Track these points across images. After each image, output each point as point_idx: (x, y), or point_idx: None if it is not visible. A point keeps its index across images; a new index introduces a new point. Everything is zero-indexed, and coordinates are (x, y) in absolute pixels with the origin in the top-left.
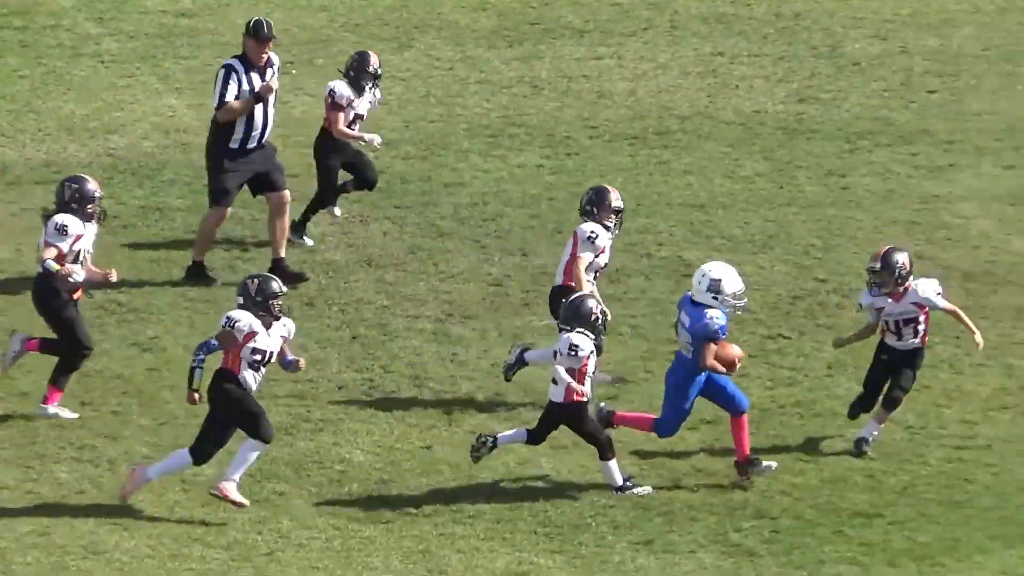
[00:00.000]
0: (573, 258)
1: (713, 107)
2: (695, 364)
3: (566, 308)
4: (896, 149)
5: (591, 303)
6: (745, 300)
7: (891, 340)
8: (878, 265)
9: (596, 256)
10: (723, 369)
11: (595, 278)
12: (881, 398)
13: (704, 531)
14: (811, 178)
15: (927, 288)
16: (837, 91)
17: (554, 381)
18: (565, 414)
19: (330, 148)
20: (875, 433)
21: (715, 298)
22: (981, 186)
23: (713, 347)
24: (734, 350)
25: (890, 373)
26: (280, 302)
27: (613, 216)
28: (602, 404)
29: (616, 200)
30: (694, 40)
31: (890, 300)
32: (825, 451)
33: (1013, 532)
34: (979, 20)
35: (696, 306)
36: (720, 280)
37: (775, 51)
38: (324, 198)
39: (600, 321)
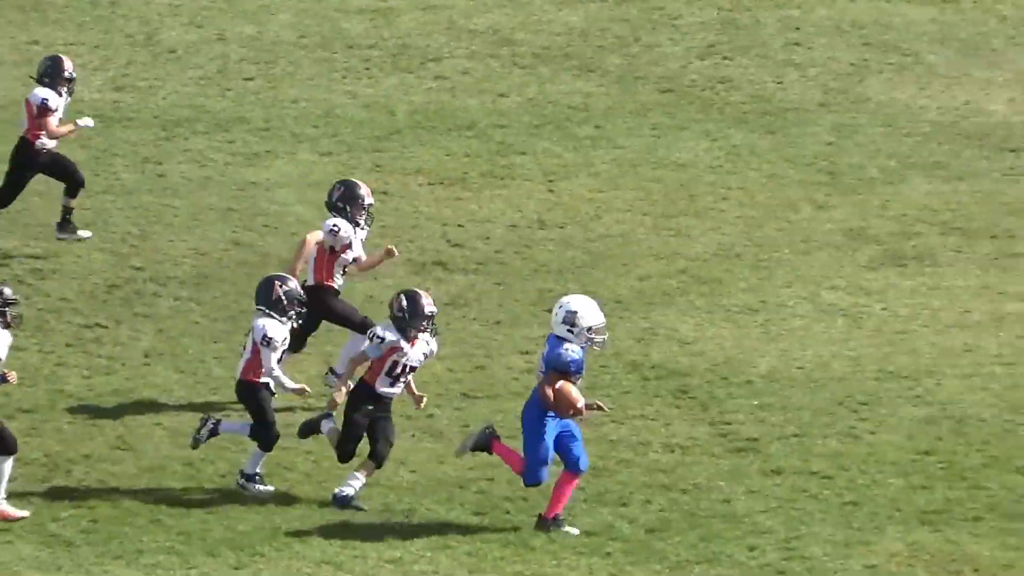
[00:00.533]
0: (321, 254)
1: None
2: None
3: (259, 288)
4: (213, 136)
5: (277, 284)
6: (605, 336)
7: (383, 386)
8: (435, 309)
9: (341, 249)
10: (552, 404)
11: (343, 273)
12: (371, 453)
13: (22, 521)
14: (128, 166)
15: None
16: (154, 79)
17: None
18: (241, 390)
19: (29, 160)
20: (359, 485)
21: (570, 331)
22: (298, 172)
23: (557, 378)
24: (576, 397)
25: (369, 420)
26: (13, 311)
27: (364, 212)
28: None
29: (367, 196)
30: (10, 28)
31: (407, 344)
32: (143, 438)
33: (332, 521)
34: (296, 7)
35: (556, 339)
36: (576, 312)
37: (92, 39)
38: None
39: (286, 303)
